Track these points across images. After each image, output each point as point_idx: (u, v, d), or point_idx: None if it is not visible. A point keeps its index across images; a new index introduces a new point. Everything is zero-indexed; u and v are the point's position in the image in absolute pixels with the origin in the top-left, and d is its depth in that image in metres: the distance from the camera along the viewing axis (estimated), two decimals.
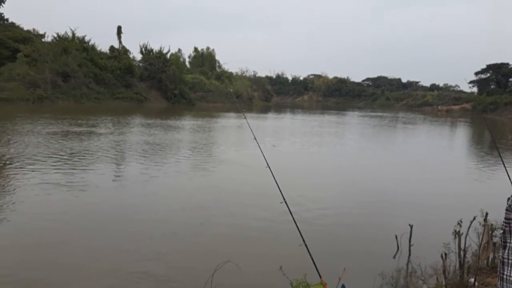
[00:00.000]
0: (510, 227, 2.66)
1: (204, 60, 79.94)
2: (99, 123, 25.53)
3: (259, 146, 4.42)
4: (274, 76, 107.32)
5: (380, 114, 58.40)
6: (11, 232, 7.21)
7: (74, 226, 7.71)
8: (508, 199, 2.78)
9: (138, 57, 58.25)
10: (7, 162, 12.85)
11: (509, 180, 4.84)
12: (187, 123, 30.96)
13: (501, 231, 2.73)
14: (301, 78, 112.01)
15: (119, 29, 58.62)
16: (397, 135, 31.65)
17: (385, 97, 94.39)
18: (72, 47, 46.51)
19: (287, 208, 3.92)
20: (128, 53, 57.13)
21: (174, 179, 11.97)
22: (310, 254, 3.65)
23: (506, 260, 2.64)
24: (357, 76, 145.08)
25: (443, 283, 5.37)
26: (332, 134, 28.91)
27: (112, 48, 55.61)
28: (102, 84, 47.57)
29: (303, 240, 3.73)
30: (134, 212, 8.79)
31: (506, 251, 2.66)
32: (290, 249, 4.61)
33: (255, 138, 4.50)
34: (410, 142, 27.29)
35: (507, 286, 2.61)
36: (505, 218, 2.72)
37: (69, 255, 6.46)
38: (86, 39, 51.49)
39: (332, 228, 8.44)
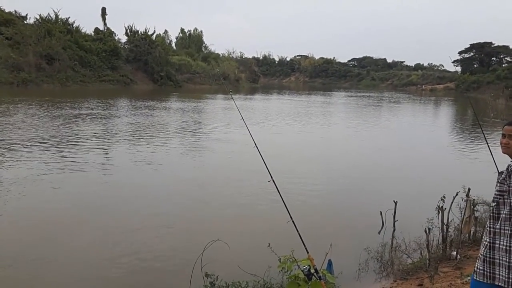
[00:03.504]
0: (504, 198, 2.77)
1: (191, 41, 78.79)
2: (85, 106, 25.15)
3: (246, 126, 4.45)
4: (261, 57, 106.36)
5: (366, 94, 58.69)
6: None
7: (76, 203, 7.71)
8: (501, 172, 2.87)
9: (124, 39, 57.23)
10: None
11: (491, 156, 4.97)
12: (174, 105, 30.73)
13: (494, 204, 2.84)
14: (288, 59, 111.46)
15: (103, 11, 57.27)
16: (382, 114, 31.92)
17: (371, 77, 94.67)
18: (56, 30, 45.28)
19: (275, 186, 3.98)
20: (113, 35, 55.95)
21: (164, 161, 11.95)
22: (297, 231, 3.74)
23: (498, 231, 2.76)
24: (343, 57, 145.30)
25: (427, 256, 5.54)
26: (320, 114, 29.01)
27: (97, 30, 54.37)
28: (88, 67, 46.62)
29: (291, 217, 3.80)
30: (124, 192, 8.85)
31: (499, 222, 2.77)
32: (278, 226, 4.70)
33: (243, 118, 4.53)
34: (395, 120, 27.58)
35: (499, 254, 2.73)
36: (499, 191, 2.81)
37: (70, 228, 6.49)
38: (70, 21, 50.20)
39: (319, 205, 8.61)
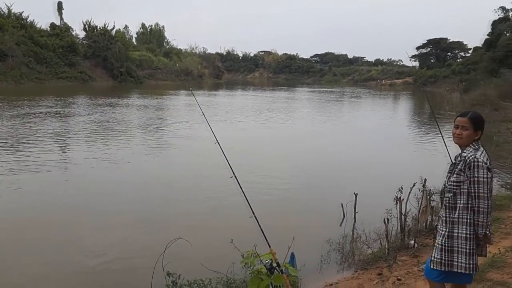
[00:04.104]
0: (460, 189, 2.88)
1: (152, 37, 77.21)
2: (43, 104, 24.13)
3: (207, 122, 4.40)
4: (225, 53, 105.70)
5: (328, 89, 59.63)
6: None
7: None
8: (454, 163, 2.98)
9: (81, 34, 55.48)
10: None
11: (445, 148, 5.17)
12: (137, 102, 30.08)
13: (450, 194, 2.94)
14: (252, 54, 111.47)
15: (59, 5, 55.00)
16: (344, 109, 32.58)
17: (333, 73, 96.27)
18: (8, 24, 43.26)
19: (237, 182, 3.97)
20: (71, 30, 54.21)
21: (127, 158, 11.69)
22: (259, 225, 3.74)
23: (457, 220, 2.87)
24: (305, 53, 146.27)
25: (386, 246, 5.71)
26: (285, 110, 29.23)
27: (53, 25, 52.20)
28: (44, 63, 44.77)
29: (253, 213, 3.81)
30: (85, 192, 8.63)
31: (457, 211, 2.88)
32: (241, 222, 4.70)
33: (203, 114, 4.48)
34: (356, 115, 28.25)
35: (458, 242, 2.84)
36: (455, 181, 2.92)
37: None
38: (24, 15, 48.20)
39: (281, 200, 8.68)
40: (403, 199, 6.08)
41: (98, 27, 55.11)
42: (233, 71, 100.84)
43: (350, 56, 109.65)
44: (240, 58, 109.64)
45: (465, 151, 2.93)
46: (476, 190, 2.78)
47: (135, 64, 56.78)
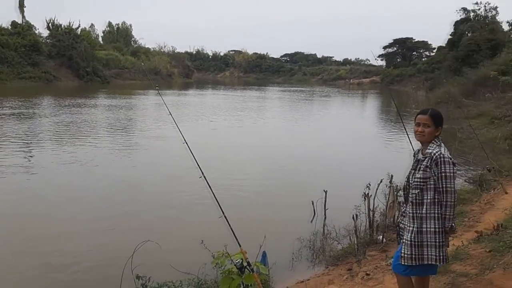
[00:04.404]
0: (427, 185, 2.95)
1: (119, 35, 75.56)
2: (6, 105, 23.17)
3: (175, 122, 4.35)
4: (194, 52, 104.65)
5: (298, 88, 60.14)
6: None
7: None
8: (419, 160, 3.05)
9: (45, 33, 53.72)
10: None
11: (410, 145, 5.30)
12: (104, 102, 29.40)
13: (417, 191, 3.01)
14: (222, 54, 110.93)
15: (21, 3, 52.92)
16: (315, 108, 32.97)
17: (302, 72, 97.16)
18: None
19: (206, 183, 3.94)
20: (33, 29, 52.39)
21: (95, 160, 11.42)
22: (229, 225, 3.73)
23: (425, 215, 2.94)
24: (275, 52, 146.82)
25: (355, 242, 5.80)
26: (256, 109, 29.30)
27: (14, 23, 50.16)
28: (5, 63, 43.08)
29: (223, 212, 3.79)
30: (51, 196, 8.40)
31: (424, 207, 2.95)
32: (211, 223, 4.68)
33: (171, 114, 4.42)
34: (325, 113, 28.62)
35: (427, 237, 2.91)
36: (422, 178, 2.99)
37: None
38: None
39: (253, 199, 8.69)
40: (371, 195, 6.21)
41: (62, 26, 53.59)
42: (203, 70, 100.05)
43: (319, 55, 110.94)
44: (210, 57, 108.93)
45: (428, 147, 3.00)
46: (444, 185, 2.87)
47: (102, 63, 55.46)
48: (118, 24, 76.77)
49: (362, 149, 14.78)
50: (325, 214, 7.24)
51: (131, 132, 17.17)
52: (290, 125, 21.34)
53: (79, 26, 56.21)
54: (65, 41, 50.36)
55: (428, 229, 2.94)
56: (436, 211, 2.91)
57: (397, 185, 6.48)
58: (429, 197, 2.94)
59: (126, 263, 4.14)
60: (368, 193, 6.16)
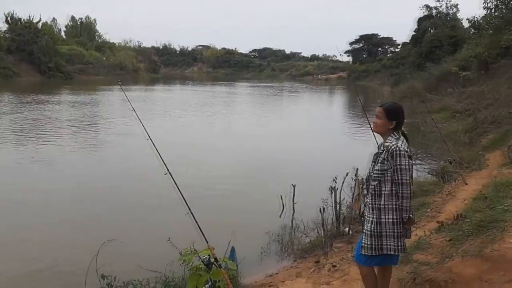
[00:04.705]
0: (385, 177, 3.02)
1: (83, 30, 73.19)
2: None
3: (138, 118, 4.26)
4: (161, 47, 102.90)
5: (267, 84, 60.32)
6: None
7: None
8: (378, 153, 3.12)
9: (4, 27, 51.58)
10: None
11: (374, 139, 5.43)
12: (69, 98, 28.52)
13: (375, 182, 3.08)
14: (189, 49, 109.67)
15: None
16: (283, 103, 33.18)
17: (271, 68, 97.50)
18: None
19: (171, 179, 3.89)
20: None
21: (58, 159, 11.11)
22: (196, 222, 3.70)
23: (383, 206, 3.00)
24: (244, 48, 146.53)
25: (322, 234, 5.89)
26: (226, 104, 29.17)
27: None
28: None
29: (189, 209, 3.76)
30: (12, 196, 8.06)
31: (382, 198, 3.02)
32: (178, 220, 4.62)
33: (134, 109, 4.33)
34: (294, 109, 28.85)
35: (386, 227, 2.98)
36: (380, 170, 3.06)
37: None
38: None
39: (221, 195, 8.65)
40: (337, 188, 6.32)
41: (22, 20, 51.50)
42: (171, 66, 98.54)
43: (287, 51, 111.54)
44: (178, 52, 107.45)
45: (387, 141, 3.08)
46: (399, 177, 2.94)
47: (65, 58, 53.84)
48: (81, 19, 74.27)
49: (329, 144, 15.00)
50: (293, 208, 7.30)
51: (97, 129, 16.73)
52: (259, 121, 21.39)
53: (39, 20, 54.27)
54: (25, 36, 48.58)
55: (387, 220, 3.01)
56: (393, 203, 2.99)
57: (362, 178, 6.59)
58: (387, 189, 3.01)
59: (91, 263, 4.03)
60: (334, 187, 6.26)
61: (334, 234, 6.09)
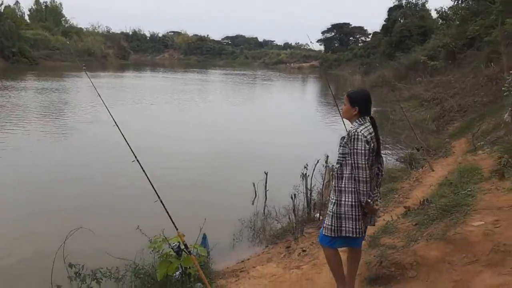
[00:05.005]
0: (346, 160, 3.07)
1: (48, 14, 70.43)
2: None
3: (105, 105, 4.15)
4: (131, 33, 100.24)
5: (241, 72, 59.98)
6: None
7: None
8: (343, 137, 3.18)
9: None
10: None
11: (344, 126, 5.51)
12: (35, 84, 27.51)
13: (338, 165, 3.13)
14: (160, 35, 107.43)
15: None
16: (256, 92, 33.13)
17: (244, 55, 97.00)
18: None
19: (140, 166, 3.83)
20: None
21: (25, 146, 10.75)
22: (165, 209, 3.67)
23: (344, 189, 3.05)
24: (216, 35, 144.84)
25: (294, 220, 5.97)
26: (199, 92, 28.85)
27: None
28: None
29: (158, 196, 3.71)
30: None
31: (343, 181, 3.07)
32: (148, 208, 4.56)
33: (99, 95, 4.21)
34: (267, 97, 28.87)
35: (345, 210, 3.03)
36: (342, 153, 3.11)
37: None
38: None
39: (194, 182, 8.61)
40: (308, 175, 6.39)
41: None
42: (141, 52, 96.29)
43: (260, 39, 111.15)
44: (148, 38, 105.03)
45: (351, 126, 3.14)
46: (356, 161, 2.99)
47: (29, 44, 51.80)
48: (46, 2, 71.49)
49: (301, 132, 15.14)
50: (266, 195, 7.32)
51: (65, 116, 16.24)
52: (232, 108, 21.31)
53: (2, 3, 51.94)
54: None
55: (346, 202, 3.06)
56: (352, 186, 3.04)
57: (332, 165, 6.69)
58: (347, 172, 3.07)
59: (57, 251, 3.93)
60: (305, 173, 6.33)
61: (305, 220, 6.17)
